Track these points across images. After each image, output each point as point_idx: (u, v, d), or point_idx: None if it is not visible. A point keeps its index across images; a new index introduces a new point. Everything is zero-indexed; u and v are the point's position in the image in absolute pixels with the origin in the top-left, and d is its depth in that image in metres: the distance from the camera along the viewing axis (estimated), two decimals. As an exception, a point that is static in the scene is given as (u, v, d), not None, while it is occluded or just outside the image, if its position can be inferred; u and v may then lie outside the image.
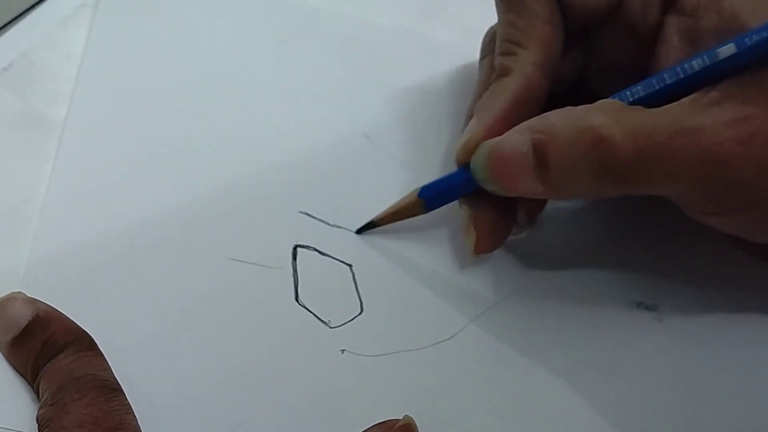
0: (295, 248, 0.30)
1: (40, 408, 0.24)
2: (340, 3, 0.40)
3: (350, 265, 0.30)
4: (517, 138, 0.27)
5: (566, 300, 0.30)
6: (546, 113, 0.27)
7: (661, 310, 0.30)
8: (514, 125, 0.27)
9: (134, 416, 0.24)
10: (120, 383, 0.25)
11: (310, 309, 0.28)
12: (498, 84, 0.29)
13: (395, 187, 0.32)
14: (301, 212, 0.31)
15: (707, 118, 0.25)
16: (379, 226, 0.31)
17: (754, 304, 0.30)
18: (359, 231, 0.31)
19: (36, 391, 0.25)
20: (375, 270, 0.30)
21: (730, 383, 0.28)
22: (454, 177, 0.30)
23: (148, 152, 0.32)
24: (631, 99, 0.26)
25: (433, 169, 0.33)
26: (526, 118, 0.27)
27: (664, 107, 0.25)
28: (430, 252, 0.31)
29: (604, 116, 0.25)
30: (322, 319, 0.28)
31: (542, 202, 0.32)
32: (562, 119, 0.26)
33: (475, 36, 0.31)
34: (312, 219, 0.31)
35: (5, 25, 0.36)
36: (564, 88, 0.31)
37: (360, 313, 0.29)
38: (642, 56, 0.29)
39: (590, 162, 0.25)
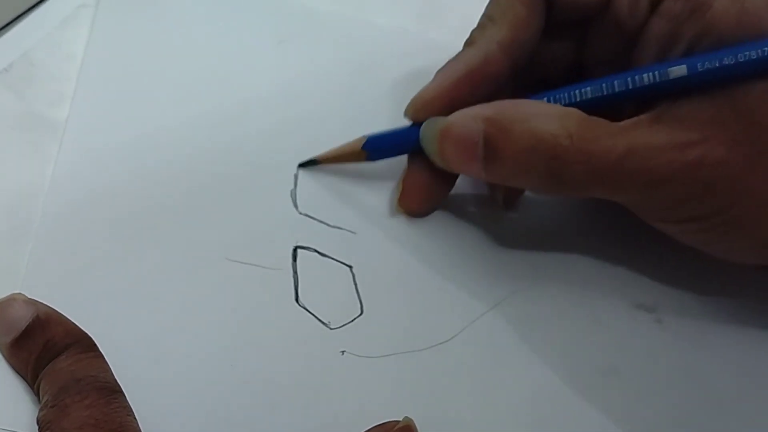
0: (295, 249, 0.30)
1: (41, 410, 0.24)
2: (340, 3, 0.40)
3: (350, 267, 0.30)
4: (471, 124, 0.28)
5: (566, 301, 0.30)
6: (504, 102, 0.28)
7: (661, 311, 0.30)
8: (465, 95, 0.29)
9: (135, 418, 0.24)
10: (120, 385, 0.25)
11: (310, 310, 0.28)
12: (461, 52, 0.30)
13: (396, 187, 0.32)
14: (301, 213, 0.31)
15: (661, 138, 0.25)
16: (319, 164, 0.32)
17: (754, 305, 0.30)
18: (301, 165, 0.32)
19: (36, 393, 0.25)
20: (375, 271, 0.30)
21: (730, 384, 0.28)
22: (401, 134, 0.31)
23: (148, 153, 0.32)
24: (578, 99, 0.28)
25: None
26: (479, 92, 0.29)
27: (622, 123, 0.26)
28: (430, 254, 0.31)
29: (563, 129, 0.26)
30: (322, 320, 0.28)
31: (521, 190, 0.32)
32: (521, 120, 0.27)
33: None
34: (312, 220, 0.31)
35: (5, 26, 0.36)
36: (556, 74, 0.32)
37: (360, 315, 0.29)
38: (627, 55, 0.29)
39: (541, 170, 0.26)
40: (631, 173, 0.26)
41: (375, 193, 0.32)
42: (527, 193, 0.33)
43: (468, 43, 0.30)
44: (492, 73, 0.29)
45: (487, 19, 0.30)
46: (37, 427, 0.23)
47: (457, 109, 0.29)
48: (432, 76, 0.31)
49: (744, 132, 0.25)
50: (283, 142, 0.33)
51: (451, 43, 0.31)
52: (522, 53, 0.30)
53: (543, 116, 0.27)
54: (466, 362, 0.28)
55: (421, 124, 0.30)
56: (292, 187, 0.32)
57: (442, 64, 0.31)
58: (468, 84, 0.29)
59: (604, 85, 0.27)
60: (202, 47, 0.37)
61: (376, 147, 0.31)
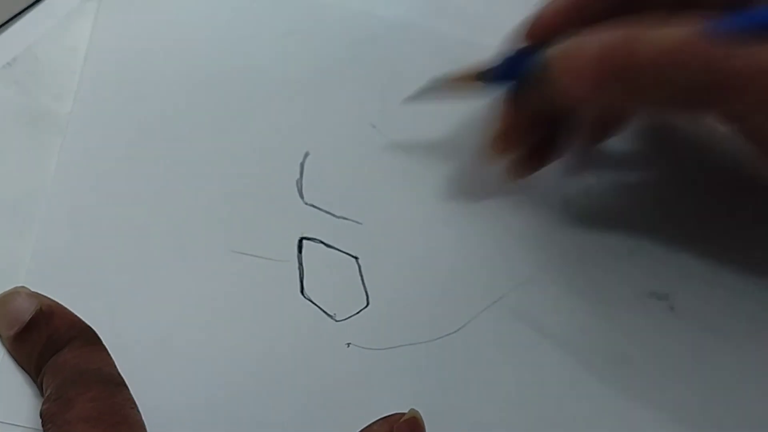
0: (300, 240, 0.30)
1: (44, 403, 0.23)
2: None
3: (356, 258, 0.30)
4: (606, 37, 0.26)
5: (576, 289, 0.29)
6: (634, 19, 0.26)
7: (673, 298, 0.29)
8: (582, 15, 0.27)
9: (138, 411, 0.24)
10: (124, 377, 0.24)
11: (316, 302, 0.28)
12: None
13: (402, 177, 0.32)
14: (307, 204, 0.31)
15: None
16: (433, 92, 0.30)
17: (766, 292, 0.29)
18: (407, 100, 0.31)
19: (39, 386, 0.25)
20: (381, 263, 0.30)
21: (743, 371, 0.28)
22: (518, 59, 0.29)
23: (152, 146, 0.32)
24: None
25: (441, 160, 0.33)
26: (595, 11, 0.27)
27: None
28: (436, 245, 0.30)
29: (690, 29, 0.24)
30: (328, 312, 0.28)
31: (612, 128, 0.31)
32: (651, 26, 0.25)
33: (480, 28, 0.31)
34: (318, 211, 0.31)
35: (9, 20, 0.36)
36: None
37: (366, 306, 0.28)
38: None
39: (682, 69, 0.24)
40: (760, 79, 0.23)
41: (381, 183, 0.32)
42: (540, 181, 0.32)
43: None
44: None
45: None
46: (40, 421, 0.23)
47: (579, 26, 0.27)
48: (438, 68, 0.30)
49: None
50: (289, 133, 0.33)
51: (458, 35, 0.31)
52: None
53: (675, 23, 0.25)
54: (472, 354, 0.28)
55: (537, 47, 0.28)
56: (298, 177, 0.32)
57: (448, 53, 0.30)
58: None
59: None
60: (206, 40, 0.37)
61: (503, 72, 0.29)
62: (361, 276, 0.29)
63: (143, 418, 0.24)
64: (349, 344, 0.27)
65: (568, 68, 0.27)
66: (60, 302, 0.26)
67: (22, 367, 0.25)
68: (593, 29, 0.26)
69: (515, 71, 0.29)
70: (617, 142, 0.33)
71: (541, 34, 0.28)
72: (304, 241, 0.30)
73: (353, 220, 0.31)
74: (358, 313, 0.28)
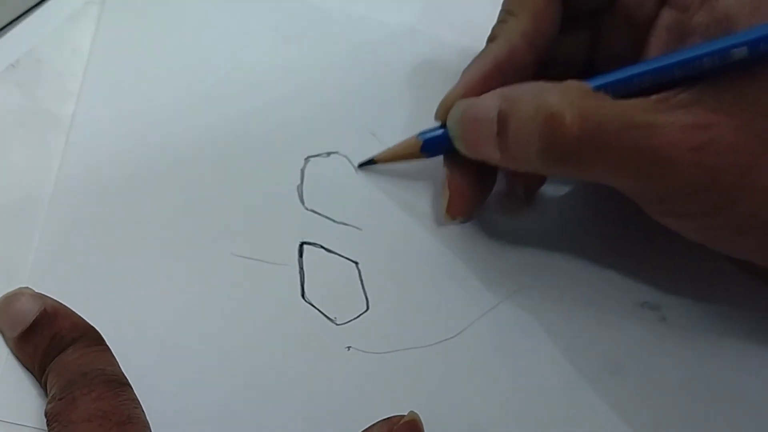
0: (301, 245, 0.30)
1: (49, 403, 0.24)
2: (346, 2, 0.40)
3: (356, 263, 0.30)
4: (488, 102, 0.28)
5: (570, 299, 0.30)
6: (521, 83, 0.28)
7: (665, 309, 0.30)
8: (493, 89, 0.28)
9: (142, 410, 0.24)
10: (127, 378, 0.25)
11: (317, 306, 0.29)
12: (484, 49, 0.30)
13: (401, 184, 0.32)
14: (307, 209, 0.31)
15: (666, 118, 0.24)
16: (377, 163, 0.32)
17: (758, 302, 0.30)
18: (361, 165, 0.32)
19: (44, 387, 0.25)
20: (381, 267, 0.30)
21: (735, 382, 0.28)
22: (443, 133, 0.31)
23: (154, 149, 0.32)
24: (600, 82, 0.26)
25: (440, 168, 0.33)
26: (508, 84, 0.28)
27: (630, 100, 0.25)
28: (435, 250, 0.31)
29: (562, 96, 0.25)
30: (328, 316, 0.28)
31: (541, 178, 0.32)
32: (528, 92, 0.26)
33: (480, 34, 0.31)
34: (318, 216, 0.31)
35: (12, 22, 0.36)
36: (572, 68, 0.31)
37: (366, 311, 0.29)
38: (639, 46, 0.29)
39: (539, 136, 0.25)
40: (633, 150, 0.24)
41: (381, 189, 0.32)
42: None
43: (491, 39, 0.30)
44: (518, 66, 0.29)
45: (506, 13, 0.30)
46: (45, 421, 0.23)
47: None
48: (438, 74, 0.31)
49: (752, 120, 0.24)
50: (290, 139, 0.33)
51: (458, 40, 0.31)
52: (545, 44, 0.30)
53: (550, 87, 0.26)
54: (470, 358, 0.28)
55: None
56: (299, 182, 0.32)
57: (449, 61, 0.31)
58: (496, 78, 0.29)
59: (631, 71, 0.26)
60: (208, 44, 0.37)
61: (432, 146, 0.31)
62: (361, 281, 0.30)
63: (146, 417, 0.24)
64: (349, 348, 0.28)
65: (457, 136, 0.29)
66: (63, 303, 0.26)
67: (27, 368, 0.25)
68: (481, 96, 0.28)
69: (444, 141, 0.30)
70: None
71: (444, 116, 0.30)
72: (305, 246, 0.30)
73: (353, 226, 0.31)
74: (358, 317, 0.29)
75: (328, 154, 0.33)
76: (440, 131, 0.31)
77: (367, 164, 0.33)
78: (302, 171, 0.32)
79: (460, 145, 0.29)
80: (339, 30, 0.38)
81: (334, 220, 0.31)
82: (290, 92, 0.35)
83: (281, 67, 0.36)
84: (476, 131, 0.28)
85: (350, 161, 0.33)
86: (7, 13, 0.36)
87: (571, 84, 0.26)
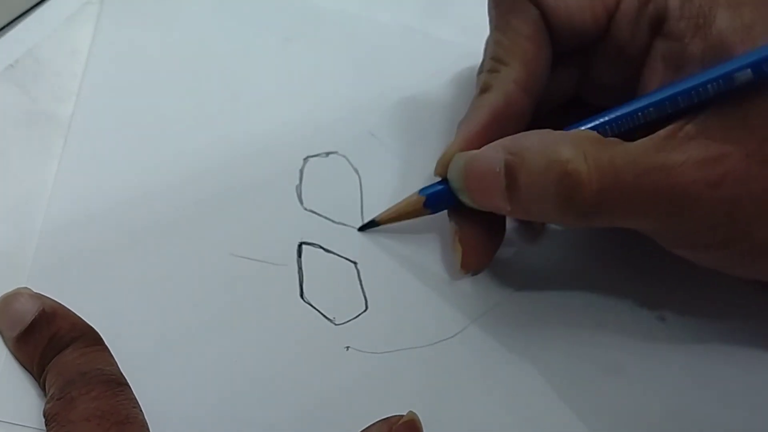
0: (300, 245, 0.30)
1: (47, 403, 0.24)
2: (345, 2, 0.40)
3: (355, 263, 0.30)
4: (492, 155, 0.27)
5: (569, 300, 0.30)
6: (523, 133, 0.27)
7: (665, 310, 0.30)
8: (493, 140, 0.27)
9: (141, 410, 0.24)
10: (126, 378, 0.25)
11: (315, 306, 0.29)
12: (478, 100, 0.30)
13: (400, 185, 0.32)
14: (306, 209, 0.31)
15: (679, 156, 0.24)
16: (380, 225, 0.31)
17: (758, 304, 0.30)
18: (361, 228, 0.31)
19: (42, 387, 0.25)
20: (380, 268, 0.30)
21: (734, 382, 0.28)
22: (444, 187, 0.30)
23: (153, 149, 0.32)
24: (604, 119, 0.27)
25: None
26: (506, 134, 0.28)
27: (639, 142, 0.25)
28: (434, 250, 0.31)
29: (575, 150, 0.25)
30: (327, 316, 0.28)
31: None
32: (536, 144, 0.26)
33: (479, 34, 0.31)
34: (317, 216, 0.31)
35: (11, 23, 0.36)
36: (562, 102, 0.31)
37: (365, 311, 0.29)
38: (632, 78, 0.29)
39: (556, 193, 0.25)
40: (651, 194, 0.24)
41: (380, 189, 0.32)
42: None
43: (483, 90, 0.30)
44: (516, 113, 0.29)
45: (495, 62, 0.29)
46: (43, 420, 0.23)
47: None
48: (436, 75, 0.31)
49: (760, 147, 0.24)
50: (289, 139, 0.33)
51: (456, 41, 0.31)
52: (539, 89, 0.29)
53: (559, 139, 0.26)
54: (469, 359, 0.28)
55: None
56: (297, 182, 0.32)
57: (447, 62, 0.31)
58: (494, 129, 0.29)
59: (665, 102, 0.26)
60: (207, 45, 0.37)
61: (435, 202, 0.30)
62: (360, 281, 0.30)
63: (145, 417, 0.24)
64: (348, 348, 0.28)
65: (461, 189, 0.28)
66: (62, 303, 0.26)
67: (25, 368, 0.25)
68: (482, 149, 0.28)
69: (447, 196, 0.30)
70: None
71: (444, 171, 0.29)
72: (304, 246, 0.30)
73: (352, 226, 0.31)
74: (357, 317, 0.29)
75: (327, 154, 0.33)
76: (441, 186, 0.29)
77: (368, 227, 0.31)
78: (301, 171, 0.32)
79: (465, 198, 0.28)
80: (339, 30, 0.38)
81: (332, 220, 0.31)
82: (289, 92, 0.35)
83: (281, 67, 0.36)
84: (482, 184, 0.27)
85: (349, 161, 0.33)
86: (7, 13, 0.36)
87: (580, 134, 0.26)
